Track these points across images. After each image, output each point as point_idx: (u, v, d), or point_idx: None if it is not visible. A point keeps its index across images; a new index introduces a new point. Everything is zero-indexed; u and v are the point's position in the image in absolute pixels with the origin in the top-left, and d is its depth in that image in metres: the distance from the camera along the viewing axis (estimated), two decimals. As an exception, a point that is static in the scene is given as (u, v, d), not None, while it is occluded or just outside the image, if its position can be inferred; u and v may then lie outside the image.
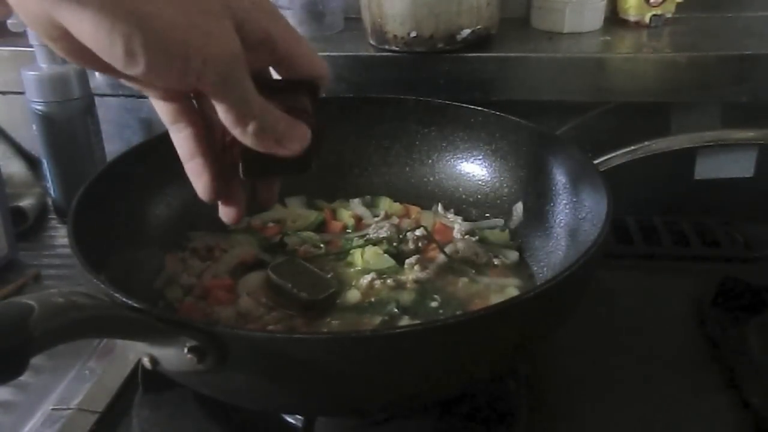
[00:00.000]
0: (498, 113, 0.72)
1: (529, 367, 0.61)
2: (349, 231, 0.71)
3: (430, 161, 0.76)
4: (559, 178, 0.65)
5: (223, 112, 0.42)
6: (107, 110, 0.96)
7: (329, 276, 0.62)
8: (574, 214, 0.62)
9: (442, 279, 0.63)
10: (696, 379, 0.63)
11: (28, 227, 0.90)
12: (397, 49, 0.86)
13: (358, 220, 0.72)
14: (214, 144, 0.47)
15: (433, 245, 0.67)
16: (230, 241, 0.68)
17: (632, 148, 0.88)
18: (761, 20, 0.95)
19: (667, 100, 0.88)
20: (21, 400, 0.62)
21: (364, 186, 0.76)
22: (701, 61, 0.83)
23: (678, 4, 0.92)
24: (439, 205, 0.74)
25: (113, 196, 0.61)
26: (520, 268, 0.66)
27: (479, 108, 0.72)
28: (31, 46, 0.86)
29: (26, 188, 0.96)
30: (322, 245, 0.68)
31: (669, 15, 0.92)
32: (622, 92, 0.86)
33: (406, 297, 0.61)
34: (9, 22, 0.93)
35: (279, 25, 0.44)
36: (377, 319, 0.58)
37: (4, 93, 0.99)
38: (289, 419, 0.56)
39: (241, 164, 0.47)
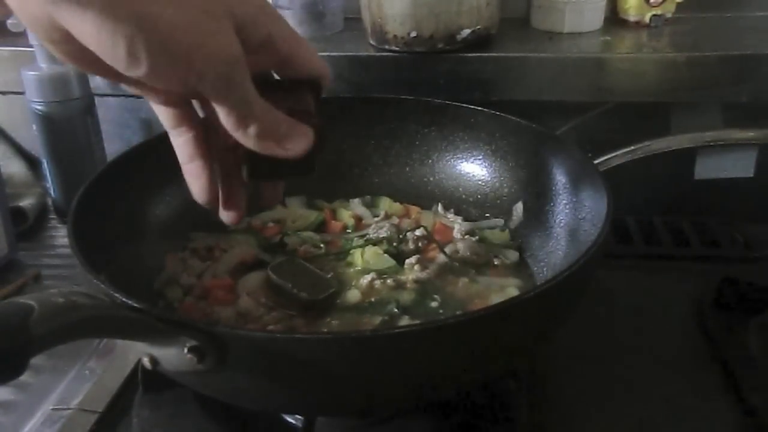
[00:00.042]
0: (498, 113, 0.72)
1: (529, 367, 0.61)
2: (349, 231, 0.71)
3: (430, 161, 0.76)
4: (559, 178, 0.65)
5: (224, 115, 0.42)
6: (107, 110, 0.96)
7: (329, 276, 0.62)
8: (574, 214, 0.62)
9: (442, 279, 0.63)
10: (696, 379, 0.63)
11: (28, 227, 0.90)
12: (397, 49, 0.86)
13: (358, 220, 0.72)
14: (216, 146, 0.47)
15: (433, 245, 0.67)
16: (230, 241, 0.68)
17: (632, 148, 0.88)
18: (761, 20, 0.95)
19: (667, 100, 0.88)
20: (21, 400, 0.62)
21: (364, 186, 0.76)
22: (701, 61, 0.83)
23: (678, 4, 0.92)
24: (439, 205, 0.74)
25: (113, 196, 0.61)
26: (520, 268, 0.66)
27: (479, 108, 0.72)
28: (31, 46, 0.86)
29: (26, 188, 0.96)
30: (322, 245, 0.68)
31: (669, 15, 0.92)
32: (622, 92, 0.86)
33: (406, 297, 0.61)
34: (9, 22, 0.94)
35: (280, 26, 0.44)
36: (377, 319, 0.58)
37: (4, 93, 0.99)
38: (289, 419, 0.56)
39: (245, 167, 0.47)
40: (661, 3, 0.91)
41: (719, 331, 0.66)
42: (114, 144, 0.94)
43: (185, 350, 0.41)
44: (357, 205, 0.74)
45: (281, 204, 0.74)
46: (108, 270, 0.47)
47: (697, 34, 0.90)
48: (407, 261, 0.65)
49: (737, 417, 0.58)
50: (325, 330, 0.56)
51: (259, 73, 0.43)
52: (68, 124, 0.85)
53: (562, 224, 0.64)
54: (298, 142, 0.45)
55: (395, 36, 0.85)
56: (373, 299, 0.60)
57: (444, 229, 0.70)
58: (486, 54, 0.86)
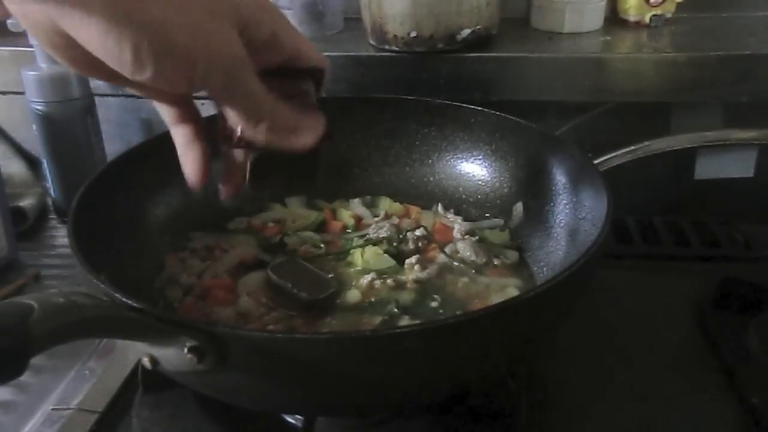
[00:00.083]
0: (498, 113, 0.72)
1: (529, 367, 0.61)
2: (349, 231, 0.71)
3: (430, 161, 0.76)
4: (559, 178, 0.65)
5: (232, 114, 0.42)
6: (107, 110, 0.96)
7: (329, 276, 0.62)
8: (574, 214, 0.62)
9: (442, 279, 0.63)
10: (696, 379, 0.63)
11: (28, 227, 0.90)
12: (397, 49, 0.86)
13: (358, 220, 0.72)
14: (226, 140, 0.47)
15: (433, 245, 0.67)
16: (230, 241, 0.68)
17: (632, 148, 0.88)
18: (761, 20, 0.95)
19: (668, 100, 0.88)
20: (21, 400, 0.62)
21: (364, 186, 0.76)
22: (701, 61, 0.83)
23: (678, 4, 0.92)
24: (439, 205, 0.74)
25: (113, 196, 0.61)
26: (520, 268, 0.66)
27: (479, 108, 0.72)
28: (31, 46, 0.86)
29: (26, 188, 0.96)
30: (322, 245, 0.68)
31: (669, 15, 0.93)
32: (622, 92, 0.86)
33: (406, 297, 0.61)
34: (9, 22, 0.93)
35: (283, 24, 0.44)
36: (377, 319, 0.57)
37: (4, 93, 0.99)
38: (289, 419, 0.56)
39: (248, 172, 0.48)
40: (661, 3, 0.91)
41: (719, 331, 0.66)
42: (114, 144, 0.94)
43: (185, 350, 0.41)
44: (357, 205, 0.74)
45: (281, 204, 0.74)
46: (108, 270, 0.47)
47: (697, 34, 0.91)
48: (407, 261, 0.65)
49: (737, 417, 0.58)
50: (325, 330, 0.56)
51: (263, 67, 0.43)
52: (68, 124, 0.85)
53: (562, 224, 0.64)
54: (308, 134, 0.45)
55: (395, 36, 0.85)
56: (373, 299, 0.60)
57: (444, 229, 0.70)
58: (486, 54, 0.86)
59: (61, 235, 0.89)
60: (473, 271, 0.64)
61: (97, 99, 0.88)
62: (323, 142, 0.47)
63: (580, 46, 0.88)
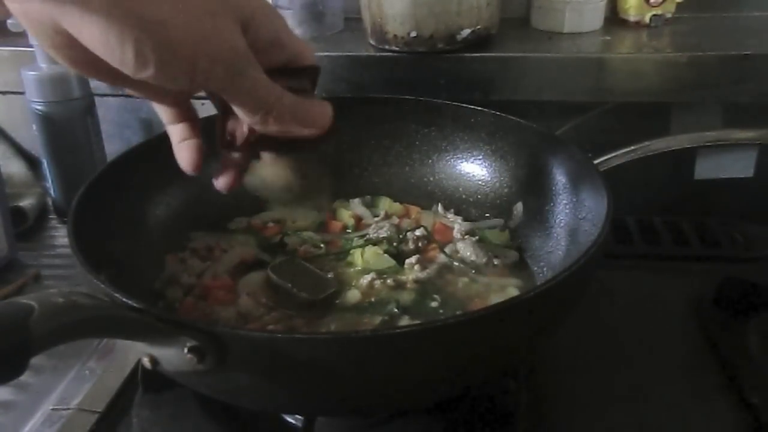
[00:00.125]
0: (498, 113, 0.72)
1: (529, 367, 0.61)
2: (349, 231, 0.71)
3: (430, 161, 0.76)
4: (559, 178, 0.65)
5: (239, 110, 0.42)
6: (107, 110, 0.96)
7: (329, 276, 0.62)
8: (574, 214, 0.62)
9: (442, 279, 0.63)
10: (696, 379, 0.63)
11: (28, 227, 0.90)
12: (397, 49, 0.86)
13: (358, 220, 0.72)
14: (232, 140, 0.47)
15: (433, 245, 0.67)
16: (230, 241, 0.68)
17: (632, 148, 0.88)
18: (761, 20, 0.95)
19: (668, 100, 0.88)
20: (21, 400, 0.62)
21: (364, 186, 0.76)
22: (702, 61, 0.83)
23: (678, 4, 0.92)
24: (439, 205, 0.74)
25: (113, 196, 0.61)
26: (520, 268, 0.66)
27: (479, 108, 0.72)
28: (31, 46, 0.86)
29: (26, 188, 0.96)
30: (322, 245, 0.68)
31: (669, 15, 0.92)
32: (622, 92, 0.86)
33: (406, 297, 0.61)
34: (9, 22, 0.93)
35: (282, 24, 0.44)
36: (377, 319, 0.57)
37: (4, 93, 0.99)
38: (289, 419, 0.56)
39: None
40: (661, 3, 0.91)
41: (719, 331, 0.66)
42: (114, 144, 0.94)
43: (185, 350, 0.41)
44: (357, 205, 0.74)
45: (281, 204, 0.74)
46: (108, 270, 0.47)
47: (697, 34, 0.90)
48: (407, 261, 0.65)
49: (737, 417, 0.58)
50: (325, 330, 0.56)
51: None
52: (68, 124, 0.85)
53: (562, 224, 0.64)
54: (318, 119, 0.45)
55: (395, 36, 0.85)
56: (373, 299, 0.60)
57: (444, 229, 0.70)
58: (486, 54, 0.86)
59: (61, 235, 0.89)
60: (473, 271, 0.64)
61: (97, 99, 0.88)
62: (331, 132, 0.47)
63: (580, 46, 0.88)
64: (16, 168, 0.99)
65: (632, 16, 0.93)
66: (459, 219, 0.72)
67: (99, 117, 0.89)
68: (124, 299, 0.42)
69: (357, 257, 0.65)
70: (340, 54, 0.88)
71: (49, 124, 0.84)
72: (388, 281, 0.62)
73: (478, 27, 0.85)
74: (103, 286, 0.44)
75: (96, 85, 0.88)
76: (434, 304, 0.60)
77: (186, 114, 0.47)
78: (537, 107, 0.87)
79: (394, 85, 0.87)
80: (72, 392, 0.62)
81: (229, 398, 0.50)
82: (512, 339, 0.48)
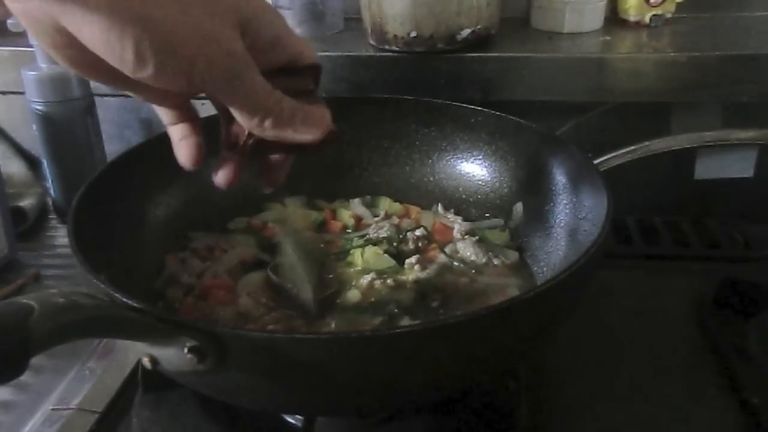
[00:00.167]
0: (498, 113, 0.72)
1: (529, 367, 0.61)
2: (349, 231, 0.71)
3: (430, 161, 0.76)
4: (559, 178, 0.65)
5: (236, 113, 0.42)
6: (107, 110, 0.96)
7: (329, 276, 0.62)
8: (574, 214, 0.62)
9: (442, 279, 0.63)
10: (696, 379, 0.63)
11: (28, 227, 0.90)
12: (397, 49, 0.86)
13: (358, 220, 0.72)
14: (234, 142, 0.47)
15: (433, 245, 0.67)
16: (230, 241, 0.68)
17: (632, 148, 0.88)
18: (761, 20, 0.95)
19: (668, 99, 0.88)
20: (21, 400, 0.62)
21: (364, 186, 0.76)
22: (702, 61, 0.83)
23: (678, 4, 0.92)
24: (439, 205, 0.74)
25: (113, 196, 0.61)
26: (520, 268, 0.66)
27: (479, 108, 0.72)
28: (31, 46, 0.86)
29: (26, 188, 0.96)
30: (322, 245, 0.68)
31: (669, 15, 0.92)
32: (622, 92, 0.86)
33: (406, 297, 0.61)
34: (9, 22, 0.93)
35: (282, 23, 0.44)
36: (377, 319, 0.57)
37: (4, 93, 0.99)
38: (289, 419, 0.56)
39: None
40: (661, 3, 0.91)
41: (719, 331, 0.66)
42: (114, 144, 0.94)
43: (185, 350, 0.41)
44: (357, 205, 0.74)
45: (281, 204, 0.74)
46: (108, 270, 0.47)
47: (697, 34, 0.90)
48: (407, 261, 0.65)
49: (737, 417, 0.58)
50: (325, 330, 0.56)
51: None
52: (68, 124, 0.85)
53: (562, 224, 0.64)
54: (315, 126, 0.45)
55: (395, 36, 0.85)
56: (373, 299, 0.60)
57: (444, 229, 0.70)
58: (486, 54, 0.86)
59: (61, 235, 0.89)
60: (473, 271, 0.64)
61: (97, 99, 0.88)
62: (332, 137, 0.47)
63: (580, 46, 0.88)
64: (16, 168, 0.99)
65: (632, 16, 0.93)
66: (459, 219, 0.72)
67: (99, 117, 0.88)
68: (124, 299, 0.42)
69: (357, 257, 0.65)
70: (340, 54, 0.88)
71: (49, 124, 0.84)
72: (388, 281, 0.62)
73: (478, 27, 0.85)
74: (103, 286, 0.44)
75: (96, 85, 0.88)
76: (434, 304, 0.60)
77: (186, 114, 0.47)
78: (537, 107, 0.87)
79: (394, 85, 0.87)
80: (72, 392, 0.62)
81: (229, 398, 0.50)
82: (512, 339, 0.48)
